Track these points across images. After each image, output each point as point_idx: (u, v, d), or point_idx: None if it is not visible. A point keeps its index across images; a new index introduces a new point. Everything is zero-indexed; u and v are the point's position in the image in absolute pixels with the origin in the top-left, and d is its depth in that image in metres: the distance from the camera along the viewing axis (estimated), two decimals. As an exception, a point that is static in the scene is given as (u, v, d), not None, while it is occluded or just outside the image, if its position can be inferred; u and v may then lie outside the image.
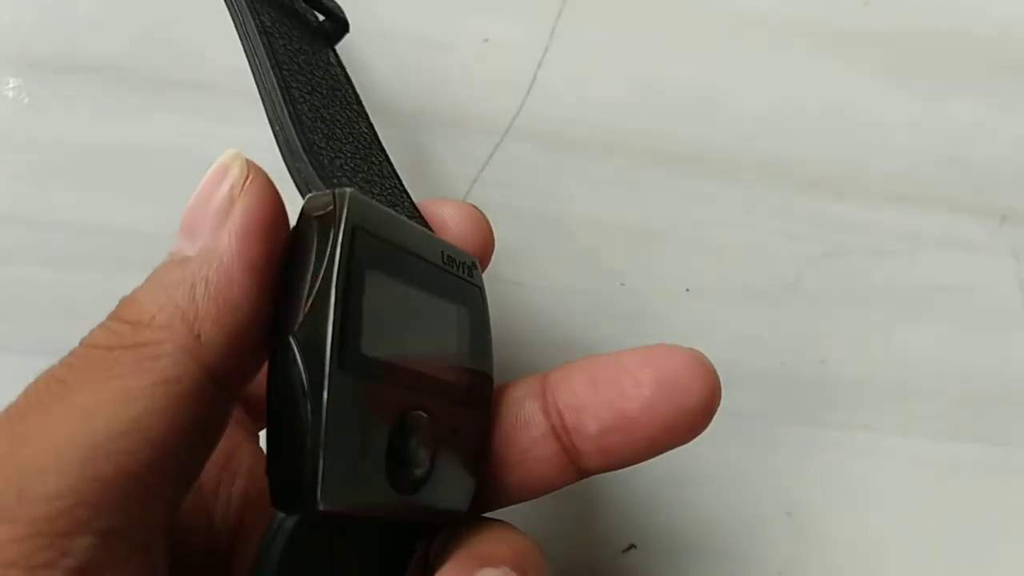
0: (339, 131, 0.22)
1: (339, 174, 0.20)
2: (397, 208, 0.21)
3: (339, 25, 0.26)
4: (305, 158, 0.19)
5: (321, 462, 0.16)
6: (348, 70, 0.25)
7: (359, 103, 0.24)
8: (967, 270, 0.30)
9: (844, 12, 0.31)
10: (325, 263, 0.17)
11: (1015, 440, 0.29)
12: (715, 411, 0.19)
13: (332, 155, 0.20)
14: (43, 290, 0.28)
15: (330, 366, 0.16)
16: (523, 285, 0.28)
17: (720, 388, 0.19)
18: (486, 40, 0.30)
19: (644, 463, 0.28)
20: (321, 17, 0.26)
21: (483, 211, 0.22)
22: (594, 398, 0.19)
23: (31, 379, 0.28)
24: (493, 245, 0.22)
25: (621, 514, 0.27)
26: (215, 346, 0.16)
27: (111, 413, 0.15)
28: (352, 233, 0.17)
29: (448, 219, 0.21)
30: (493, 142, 0.29)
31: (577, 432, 0.20)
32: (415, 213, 0.21)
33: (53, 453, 0.14)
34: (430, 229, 0.21)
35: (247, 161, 0.18)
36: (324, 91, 0.23)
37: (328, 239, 0.17)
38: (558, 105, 0.30)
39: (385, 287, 0.18)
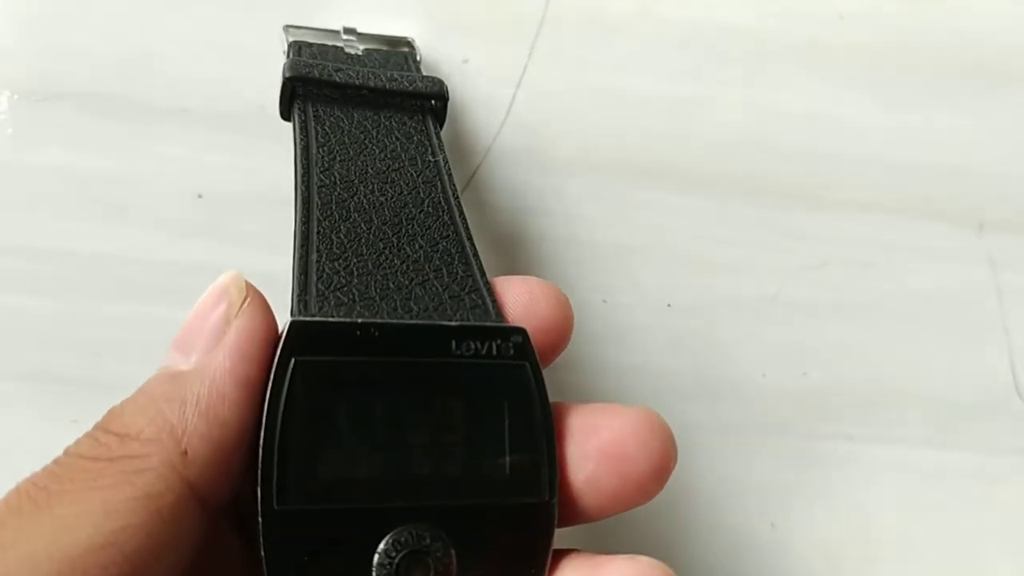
0: (389, 229, 0.21)
1: (340, 286, 0.20)
2: (429, 302, 0.20)
3: (439, 101, 0.25)
4: (294, 287, 0.19)
5: None
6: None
7: (445, 197, 0.23)
8: (945, 279, 0.30)
9: (819, 25, 0.31)
10: (263, 400, 0.17)
11: (997, 448, 0.29)
12: (668, 474, 0.19)
13: (345, 267, 0.20)
14: (30, 317, 0.28)
15: (263, 507, 0.16)
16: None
17: (674, 448, 0.18)
18: (465, 61, 0.30)
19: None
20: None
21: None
22: None
23: (19, 404, 0.28)
24: (565, 320, 0.20)
25: (607, 528, 0.28)
26: (201, 463, 0.16)
27: (91, 525, 0.15)
28: (290, 365, 0.17)
29: (519, 298, 0.20)
30: (474, 162, 0.30)
31: None
32: (468, 293, 0.20)
33: (30, 563, 0.14)
34: (492, 310, 0.20)
35: (246, 283, 0.18)
36: (390, 188, 0.22)
37: (270, 376, 0.17)
38: (538, 123, 0.30)
39: (348, 403, 0.18)
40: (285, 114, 0.25)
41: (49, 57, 0.30)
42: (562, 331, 0.20)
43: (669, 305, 0.29)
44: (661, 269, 0.30)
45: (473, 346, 0.19)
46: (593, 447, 0.18)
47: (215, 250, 0.29)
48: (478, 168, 0.30)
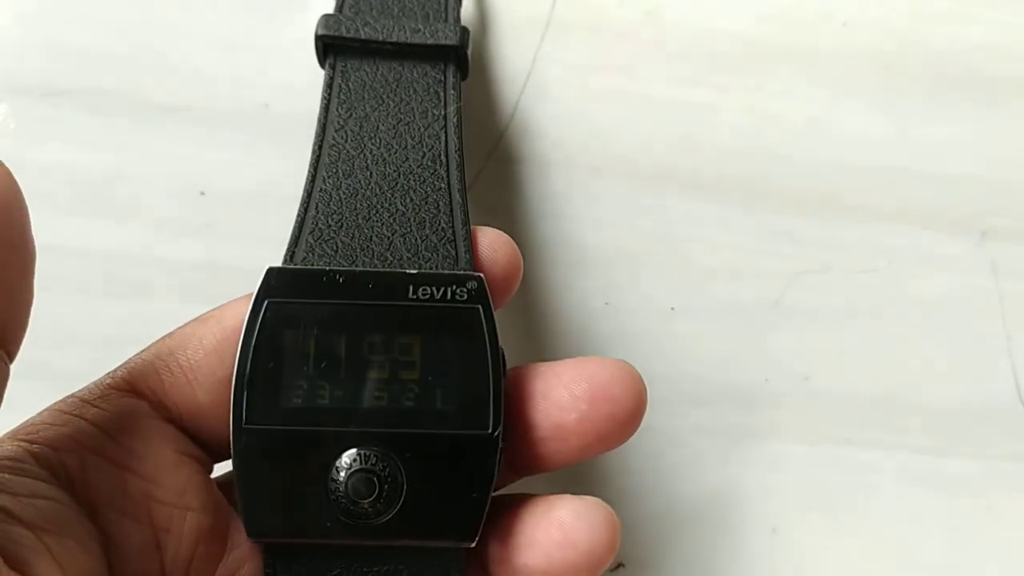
0: (386, 184, 0.23)
1: (327, 239, 0.22)
2: (410, 250, 0.22)
3: (460, 51, 0.26)
4: (289, 239, 0.22)
5: (241, 502, 0.19)
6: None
7: (446, 151, 0.24)
8: (948, 286, 0.30)
9: (822, 33, 0.32)
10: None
11: (998, 454, 0.29)
12: (642, 418, 0.21)
13: (337, 221, 0.22)
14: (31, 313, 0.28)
15: (233, 424, 0.19)
16: (508, 306, 0.29)
17: (646, 396, 0.21)
18: (470, 63, 0.30)
19: (630, 485, 0.28)
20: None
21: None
22: (532, 409, 0.21)
23: (17, 401, 0.28)
24: (518, 267, 0.23)
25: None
26: None
27: None
28: (263, 306, 0.20)
29: (483, 249, 0.22)
30: (478, 165, 0.30)
31: (514, 443, 0.21)
32: (444, 243, 0.22)
33: None
34: (463, 259, 0.22)
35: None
36: (396, 142, 0.24)
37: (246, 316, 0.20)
38: (541, 128, 0.30)
39: (312, 339, 0.20)
40: (323, 65, 0.26)
41: (51, 54, 0.30)
42: (515, 275, 0.23)
43: (672, 309, 0.29)
44: (664, 273, 0.30)
45: (430, 291, 0.21)
46: (584, 391, 0.21)
47: (217, 248, 0.29)
48: (482, 170, 0.30)
